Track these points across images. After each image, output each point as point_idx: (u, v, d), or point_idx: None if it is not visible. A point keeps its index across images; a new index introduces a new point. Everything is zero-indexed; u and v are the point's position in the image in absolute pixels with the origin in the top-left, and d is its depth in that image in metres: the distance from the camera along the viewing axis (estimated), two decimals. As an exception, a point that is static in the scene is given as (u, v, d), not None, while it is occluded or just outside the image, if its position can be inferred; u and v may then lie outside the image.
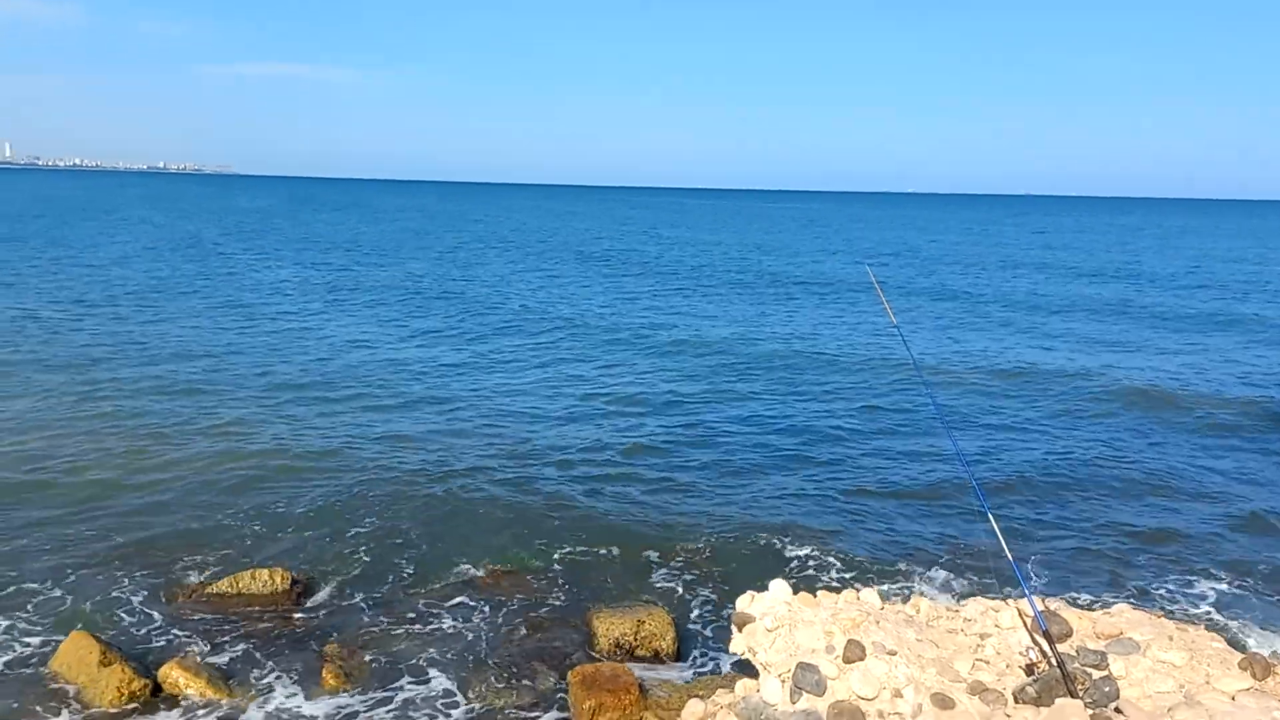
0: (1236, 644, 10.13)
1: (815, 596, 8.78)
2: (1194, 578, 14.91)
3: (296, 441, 20.53)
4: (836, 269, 66.15)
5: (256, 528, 15.93)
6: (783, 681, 8.14)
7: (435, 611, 13.32)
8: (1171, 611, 13.23)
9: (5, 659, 11.61)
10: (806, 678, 7.88)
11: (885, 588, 13.17)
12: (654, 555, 15.33)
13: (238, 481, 18.03)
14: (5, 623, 12.41)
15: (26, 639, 12.07)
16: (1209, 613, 13.71)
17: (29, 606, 12.88)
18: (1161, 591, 14.38)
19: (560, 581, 14.36)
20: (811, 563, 15.12)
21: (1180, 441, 22.35)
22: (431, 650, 12.22)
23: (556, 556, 15.22)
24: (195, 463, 18.88)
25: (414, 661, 11.95)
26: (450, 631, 12.76)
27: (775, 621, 8.39)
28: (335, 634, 12.55)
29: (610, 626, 12.50)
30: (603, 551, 15.43)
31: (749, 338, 35.33)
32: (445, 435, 21.55)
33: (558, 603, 13.68)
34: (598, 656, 12.06)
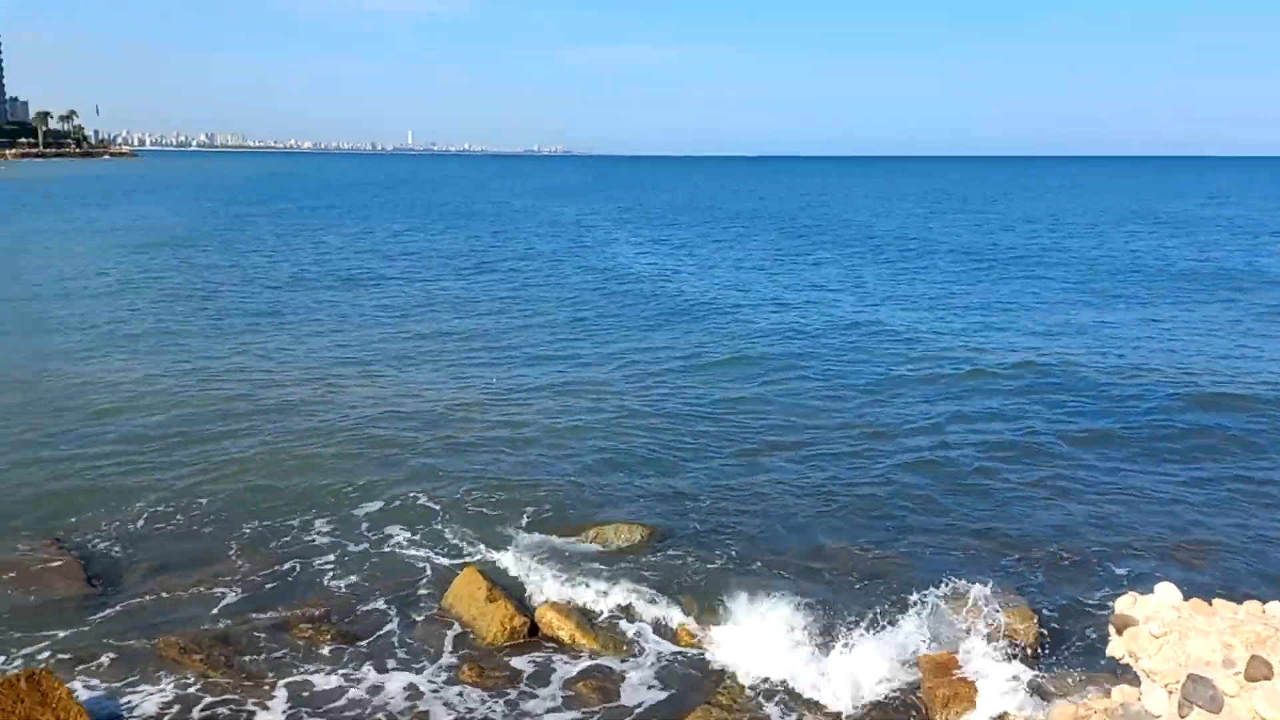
0: None
1: (1210, 605, 7.89)
2: None
3: (654, 403, 21.57)
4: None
5: (618, 479, 16.94)
6: (1169, 692, 7.42)
7: (793, 578, 13.36)
8: None
9: (407, 592, 13.15)
10: (1199, 691, 7.12)
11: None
12: (1012, 547, 14.51)
13: (606, 435, 19.32)
14: (413, 553, 14.11)
15: (425, 572, 13.61)
16: None
17: (426, 542, 14.54)
18: None
19: (912, 563, 13.99)
20: (1205, 567, 13.58)
21: None
22: (793, 614, 12.15)
23: (909, 536, 14.85)
24: (581, 417, 20.41)
25: (761, 623, 12.07)
26: (808, 600, 12.67)
27: (1162, 627, 7.62)
28: (691, 589, 13.00)
29: (964, 611, 11.96)
30: (959, 536, 14.85)
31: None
32: (822, 406, 21.69)
33: (908, 584, 13.33)
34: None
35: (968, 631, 11.62)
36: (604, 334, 30.49)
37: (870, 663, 11.08)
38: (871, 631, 11.65)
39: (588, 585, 13.04)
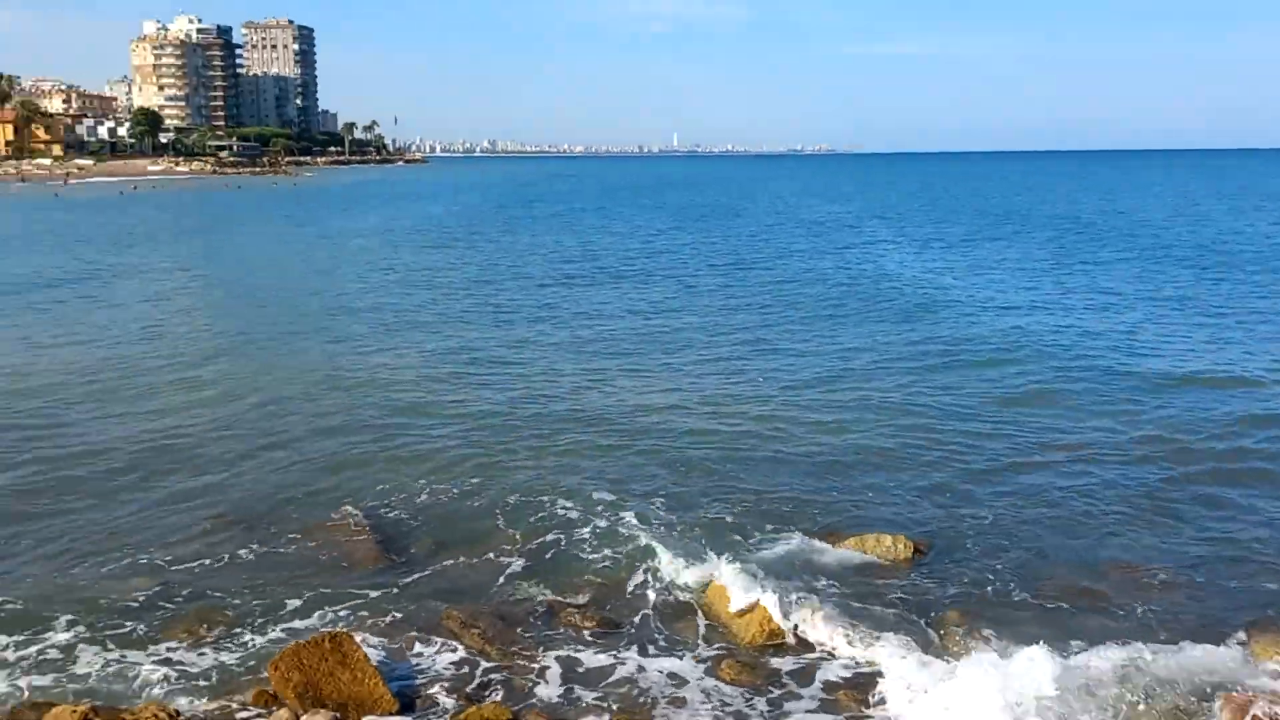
0: None
1: None
2: None
3: (918, 403, 20.82)
4: None
5: (881, 486, 16.45)
6: None
7: (1053, 600, 12.52)
8: None
9: (667, 583, 13.32)
10: None
11: None
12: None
13: (869, 435, 18.90)
14: (671, 546, 14.28)
15: (686, 567, 13.72)
16: None
17: (687, 538, 14.68)
18: None
19: (1194, 591, 12.69)
20: None
21: None
22: (1044, 637, 11.36)
23: (1193, 562, 13.46)
24: (842, 414, 20.07)
25: (1026, 648, 11.29)
26: (1068, 623, 11.80)
27: None
28: (951, 609, 12.38)
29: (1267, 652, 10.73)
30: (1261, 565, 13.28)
31: None
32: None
33: (1189, 611, 12.08)
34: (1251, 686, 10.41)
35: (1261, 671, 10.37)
36: (864, 330, 29.78)
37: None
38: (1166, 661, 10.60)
39: (846, 595, 12.73)
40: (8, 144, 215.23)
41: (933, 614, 12.22)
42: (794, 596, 12.66)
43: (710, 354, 27.08)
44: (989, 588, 12.95)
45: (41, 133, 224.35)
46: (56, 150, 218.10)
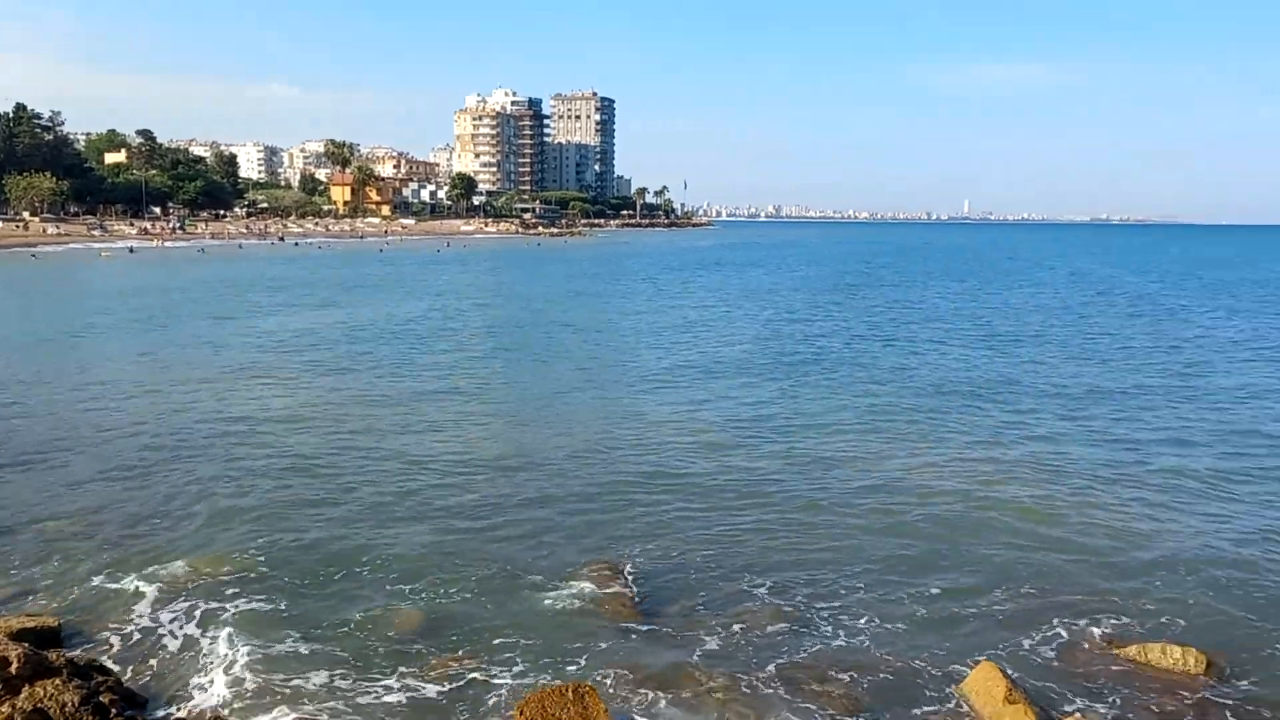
0: None
1: None
2: None
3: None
4: None
5: (1180, 594, 14.83)
6: None
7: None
8: None
9: (921, 673, 12.66)
10: None
11: None
12: None
13: (1177, 540, 17.10)
14: (930, 634, 13.57)
15: (944, 659, 12.98)
16: None
17: (948, 627, 13.88)
18: None
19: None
20: None
21: None
22: None
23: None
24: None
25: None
26: None
27: None
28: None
29: None
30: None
31: None
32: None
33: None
34: None
35: None
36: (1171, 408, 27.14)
37: None
38: None
39: (1122, 709, 11.57)
40: (345, 203, 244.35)
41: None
42: (1062, 700, 11.76)
43: (972, 420, 25.68)
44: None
45: (374, 194, 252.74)
46: (385, 210, 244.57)
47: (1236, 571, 15.78)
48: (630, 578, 15.41)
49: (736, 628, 13.78)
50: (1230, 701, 11.85)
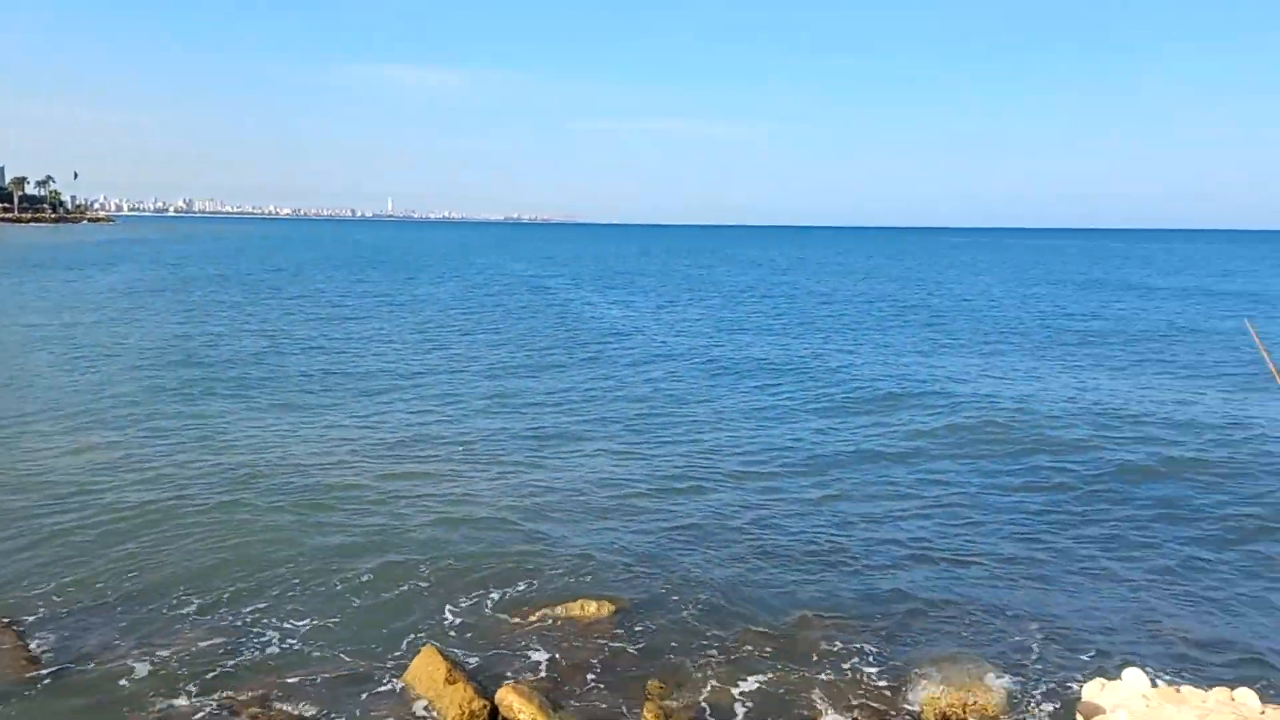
0: None
1: (1179, 692, 7.74)
2: None
3: (648, 470, 21.39)
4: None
5: (588, 554, 16.65)
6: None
7: (754, 649, 13.18)
8: None
9: (364, 670, 12.77)
10: (1172, 785, 6.94)
11: (1267, 688, 11.36)
12: (988, 619, 14.33)
13: (575, 506, 19.07)
14: (371, 629, 13.74)
15: (386, 652, 13.24)
16: None
17: (391, 619, 14.19)
18: None
19: (881, 632, 13.80)
20: (1174, 649, 13.41)
21: None
22: (748, 691, 12.06)
23: (880, 605, 14.66)
24: (543, 485, 20.16)
25: (729, 700, 11.86)
26: (766, 670, 12.53)
27: (1131, 716, 7.47)
28: (658, 665, 12.74)
29: (936, 698, 11.86)
30: (933, 608, 14.65)
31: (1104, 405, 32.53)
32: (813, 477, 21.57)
33: (879, 655, 13.15)
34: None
35: (944, 717, 11.45)
36: (565, 384, 30.34)
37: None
38: (846, 711, 11.43)
39: (552, 665, 12.77)
40: None
41: (636, 675, 12.50)
42: (499, 672, 12.58)
43: (399, 407, 26.55)
44: (689, 644, 13.41)
45: None
46: None
47: (622, 524, 18.18)
48: (23, 628, 13.42)
49: (164, 654, 12.74)
50: (635, 635, 13.68)
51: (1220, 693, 7.84)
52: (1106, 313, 60.61)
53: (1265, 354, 9.18)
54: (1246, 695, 7.79)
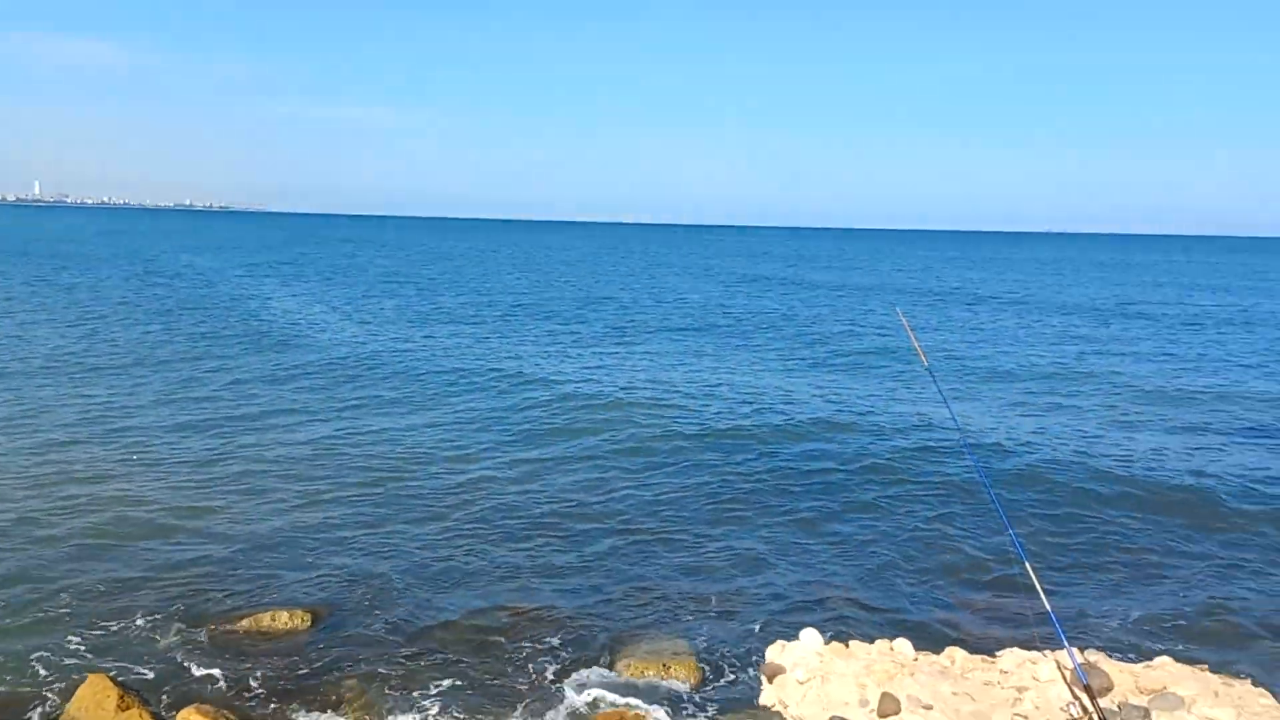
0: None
1: (848, 647, 8.55)
2: (1245, 628, 14.38)
3: (313, 463, 20.51)
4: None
5: (275, 561, 15.85)
6: (815, 736, 7.90)
7: (453, 649, 13.15)
8: (1216, 664, 12.77)
9: (20, 703, 11.46)
10: (839, 733, 7.64)
11: (919, 638, 12.81)
12: (679, 598, 15.09)
13: (259, 512, 18.03)
14: (19, 663, 12.29)
15: (43, 681, 11.93)
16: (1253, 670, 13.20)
17: (43, 646, 12.76)
18: (1209, 644, 13.84)
19: (580, 620, 14.16)
20: (843, 611, 14.80)
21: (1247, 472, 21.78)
22: (446, 690, 12.02)
23: (576, 595, 15.03)
24: (214, 490, 18.85)
25: (429, 702, 11.77)
26: (468, 670, 12.57)
27: (807, 673, 8.16)
28: (354, 673, 12.38)
29: (635, 668, 12.39)
30: (627, 593, 15.22)
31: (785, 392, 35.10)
32: (473, 465, 21.46)
33: (578, 641, 13.49)
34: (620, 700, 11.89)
35: (636, 687, 11.94)
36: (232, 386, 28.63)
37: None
38: (534, 703, 11.65)
39: (240, 681, 12.06)
40: None
41: (332, 684, 12.08)
42: (181, 694, 11.73)
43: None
44: (384, 650, 13.11)
45: None
46: None
47: (313, 527, 17.47)
48: None
49: None
50: (329, 643, 13.24)
51: (882, 644, 8.74)
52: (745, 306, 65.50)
53: (911, 334, 10.29)
54: (903, 645, 8.72)
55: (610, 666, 12.68)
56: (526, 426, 26.52)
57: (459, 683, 12.26)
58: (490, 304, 62.91)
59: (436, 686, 12.16)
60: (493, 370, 35.31)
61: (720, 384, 33.69)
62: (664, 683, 12.11)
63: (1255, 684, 8.50)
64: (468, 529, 17.88)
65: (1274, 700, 8.03)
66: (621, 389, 32.13)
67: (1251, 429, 27.78)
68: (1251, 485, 21.51)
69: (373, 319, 51.59)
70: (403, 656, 12.96)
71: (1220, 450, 24.92)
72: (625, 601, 14.96)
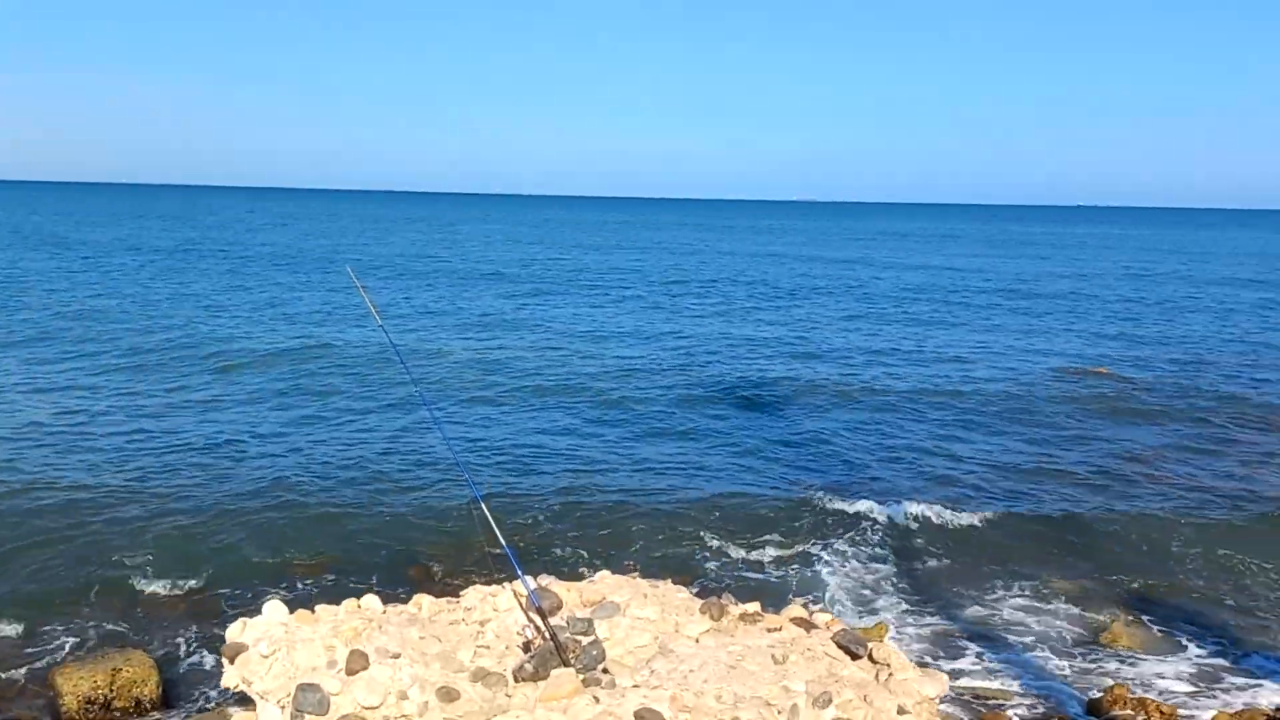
0: (705, 593, 11.40)
1: (314, 613, 8.37)
2: (687, 538, 16.59)
3: None
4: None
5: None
6: (282, 707, 7.66)
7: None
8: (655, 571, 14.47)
9: None
10: (307, 699, 7.48)
11: (388, 592, 12.95)
12: (124, 588, 13.74)
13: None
14: None
15: None
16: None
17: None
18: (658, 555, 15.78)
19: (16, 637, 12.39)
20: (308, 578, 14.51)
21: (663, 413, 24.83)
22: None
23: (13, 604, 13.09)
24: None
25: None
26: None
27: (271, 646, 7.84)
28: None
29: (78, 682, 11.03)
30: (67, 596, 13.52)
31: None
32: None
33: (14, 664, 11.77)
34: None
35: (89, 702, 10.69)
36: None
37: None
38: None
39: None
40: None
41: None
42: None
43: None
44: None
45: None
46: None
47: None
48: None
49: None
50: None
51: (349, 604, 8.72)
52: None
53: (363, 292, 10.29)
54: (371, 600, 8.78)
55: (50, 684, 11.18)
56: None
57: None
58: None
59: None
60: None
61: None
62: (114, 687, 10.97)
63: (674, 581, 9.83)
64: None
65: (689, 595, 9.38)
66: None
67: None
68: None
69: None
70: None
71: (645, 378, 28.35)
72: (66, 602, 13.26)
